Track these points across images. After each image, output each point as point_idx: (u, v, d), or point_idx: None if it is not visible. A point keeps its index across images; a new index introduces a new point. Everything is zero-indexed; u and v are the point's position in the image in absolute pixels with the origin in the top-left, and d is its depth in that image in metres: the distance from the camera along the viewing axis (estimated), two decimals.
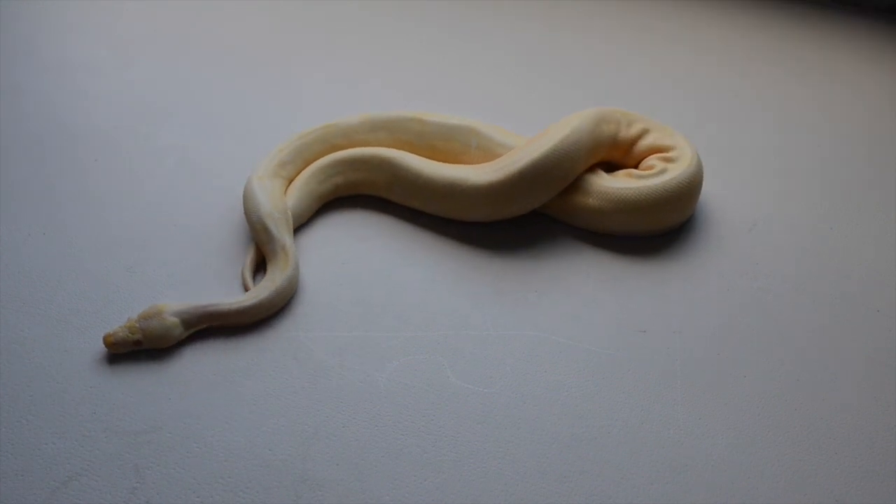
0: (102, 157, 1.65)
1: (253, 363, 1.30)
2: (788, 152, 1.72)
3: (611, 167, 1.58)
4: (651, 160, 1.53)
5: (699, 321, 1.38)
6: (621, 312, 1.39)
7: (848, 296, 1.43)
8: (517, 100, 1.82)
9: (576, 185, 1.50)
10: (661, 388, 1.29)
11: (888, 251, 1.51)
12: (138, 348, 1.29)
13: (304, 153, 1.56)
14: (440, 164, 1.54)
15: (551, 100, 1.82)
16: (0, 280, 1.40)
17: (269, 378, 1.28)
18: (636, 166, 1.57)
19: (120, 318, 1.33)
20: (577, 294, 1.42)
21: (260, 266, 1.43)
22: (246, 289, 1.38)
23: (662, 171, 1.48)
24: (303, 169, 1.56)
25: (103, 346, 1.28)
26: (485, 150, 1.57)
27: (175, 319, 1.30)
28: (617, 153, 1.58)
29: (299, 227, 1.50)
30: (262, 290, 1.34)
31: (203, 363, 1.29)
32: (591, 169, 1.53)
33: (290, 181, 1.54)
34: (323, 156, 1.57)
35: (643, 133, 1.57)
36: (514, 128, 1.63)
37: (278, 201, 1.45)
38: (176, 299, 1.35)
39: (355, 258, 1.47)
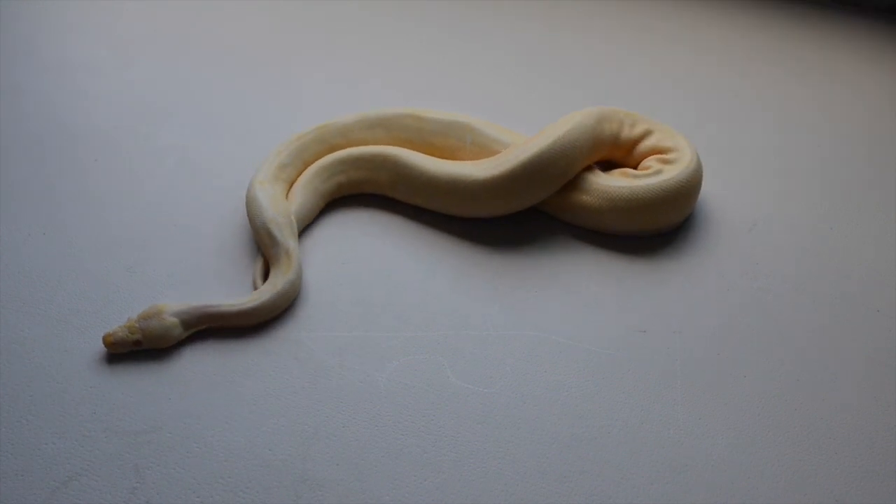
0: (102, 157, 1.65)
1: (253, 363, 1.30)
2: (788, 152, 1.72)
3: (613, 167, 1.59)
4: (648, 161, 1.54)
5: (699, 321, 1.38)
6: (621, 312, 1.39)
7: (848, 296, 1.43)
8: (517, 100, 1.82)
9: (573, 182, 1.51)
10: (661, 388, 1.29)
11: (888, 251, 1.51)
12: (138, 348, 1.29)
13: (302, 154, 1.56)
14: (442, 160, 1.54)
15: (551, 100, 1.82)
16: (0, 280, 1.40)
17: (269, 378, 1.28)
18: (636, 167, 1.57)
19: (120, 318, 1.33)
20: (577, 294, 1.42)
21: (269, 271, 1.43)
22: None
23: (657, 172, 1.49)
24: (303, 170, 1.56)
25: (103, 346, 1.28)
26: (479, 146, 1.57)
27: (175, 320, 1.30)
28: (619, 153, 1.58)
29: (306, 226, 1.50)
30: (263, 293, 1.34)
31: (203, 363, 1.29)
32: (589, 167, 1.54)
33: (291, 183, 1.54)
34: (321, 156, 1.57)
35: (646, 134, 1.57)
36: (513, 128, 1.63)
37: (281, 206, 1.45)
38: (176, 299, 1.35)
39: (355, 258, 1.47)
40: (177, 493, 1.14)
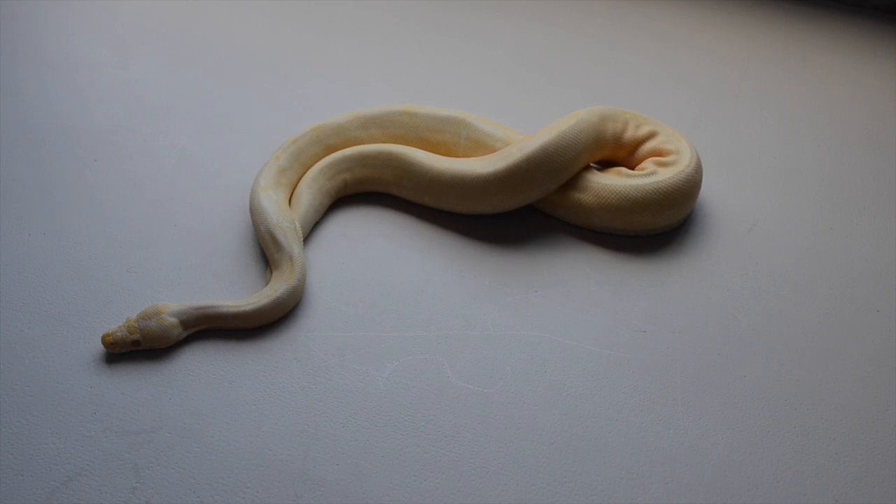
0: (102, 157, 1.65)
1: (253, 363, 1.30)
2: (788, 152, 1.72)
3: (614, 167, 1.59)
4: (646, 162, 1.54)
5: (699, 321, 1.38)
6: (621, 312, 1.39)
7: (848, 296, 1.43)
8: (517, 100, 1.83)
9: (571, 180, 1.51)
10: (661, 388, 1.29)
11: (888, 251, 1.51)
12: (137, 348, 1.29)
13: (300, 157, 1.56)
14: (446, 157, 1.55)
15: (551, 100, 1.82)
16: (0, 280, 1.40)
17: (269, 378, 1.28)
18: (636, 167, 1.57)
19: (120, 318, 1.33)
20: (577, 294, 1.42)
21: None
22: None
23: (651, 174, 1.49)
24: (302, 173, 1.56)
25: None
26: (474, 142, 1.58)
27: (174, 320, 1.30)
28: (621, 153, 1.58)
29: (315, 224, 1.51)
30: (263, 297, 1.34)
31: (203, 363, 1.29)
32: (587, 166, 1.54)
33: (293, 187, 1.54)
34: (319, 158, 1.58)
35: (650, 136, 1.57)
36: (513, 127, 1.63)
37: (285, 211, 1.45)
38: (176, 299, 1.35)
39: (355, 258, 1.47)
40: (176, 493, 1.14)
